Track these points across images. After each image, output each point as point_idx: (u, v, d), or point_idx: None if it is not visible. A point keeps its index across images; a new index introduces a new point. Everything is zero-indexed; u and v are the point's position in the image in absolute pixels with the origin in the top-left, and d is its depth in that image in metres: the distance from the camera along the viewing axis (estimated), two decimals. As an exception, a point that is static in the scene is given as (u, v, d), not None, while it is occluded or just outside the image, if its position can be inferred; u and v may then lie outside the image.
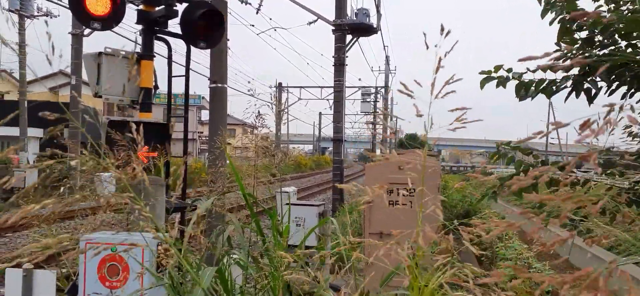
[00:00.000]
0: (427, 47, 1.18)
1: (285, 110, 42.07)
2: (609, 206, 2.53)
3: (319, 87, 42.88)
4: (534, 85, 3.11)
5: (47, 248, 1.25)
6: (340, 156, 16.32)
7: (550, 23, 3.15)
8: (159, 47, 4.98)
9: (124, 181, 1.66)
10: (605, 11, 2.89)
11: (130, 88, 4.69)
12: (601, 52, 2.87)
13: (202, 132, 49.85)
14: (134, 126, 1.81)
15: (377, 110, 41.00)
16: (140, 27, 4.81)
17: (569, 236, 0.90)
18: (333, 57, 16.04)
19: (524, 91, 3.14)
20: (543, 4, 3.21)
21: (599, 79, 2.94)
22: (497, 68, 3.15)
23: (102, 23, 4.40)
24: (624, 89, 3.02)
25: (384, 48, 48.12)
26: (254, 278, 2.99)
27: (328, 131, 54.58)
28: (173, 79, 5.10)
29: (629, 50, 2.86)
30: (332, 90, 19.71)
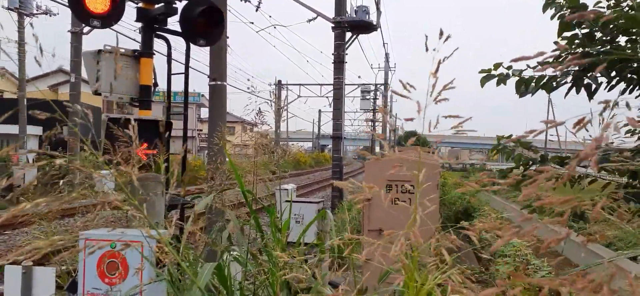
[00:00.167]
0: (427, 50, 1.18)
1: (285, 107, 42.05)
2: (607, 203, 2.54)
3: (319, 84, 42.86)
4: (534, 81, 3.11)
5: (39, 249, 1.25)
6: (339, 154, 16.32)
7: (552, 18, 3.15)
8: (158, 45, 4.98)
9: (118, 180, 1.66)
10: (604, 8, 2.89)
11: (129, 85, 4.69)
12: (601, 49, 2.87)
13: (201, 130, 49.83)
14: (131, 124, 1.81)
15: (377, 107, 41.00)
16: (139, 24, 4.81)
17: (565, 235, 0.90)
18: (333, 54, 16.03)
19: (524, 87, 3.15)
20: None
21: (599, 75, 2.95)
22: (497, 66, 3.16)
23: (102, 21, 4.40)
24: (624, 84, 3.02)
25: (384, 45, 48.14)
26: (252, 274, 3.00)
27: (327, 128, 54.61)
28: (173, 76, 5.10)
29: (629, 46, 2.86)
30: (331, 87, 19.71)
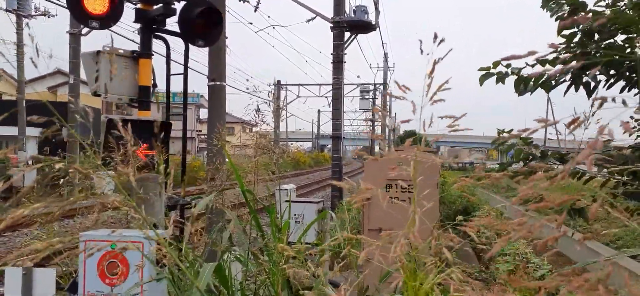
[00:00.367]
0: (422, 52, 1.19)
1: (284, 108, 42.04)
2: (606, 200, 2.55)
3: (318, 84, 42.87)
4: (532, 80, 3.12)
5: (38, 252, 1.25)
6: (339, 154, 16.32)
7: (551, 16, 3.16)
8: (157, 45, 4.98)
9: (117, 181, 1.66)
10: (603, 6, 2.90)
11: (129, 86, 4.69)
12: (601, 45, 2.88)
13: (200, 131, 49.81)
14: (128, 125, 1.81)
15: (376, 106, 40.99)
16: (138, 25, 4.81)
17: (562, 233, 0.91)
18: (331, 54, 16.03)
19: (523, 86, 3.15)
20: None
21: (598, 73, 2.95)
22: (496, 64, 3.16)
23: (101, 22, 4.40)
24: (623, 82, 3.03)
25: (383, 45, 48.12)
26: (253, 274, 3.00)
27: (327, 128, 54.63)
28: (171, 77, 5.10)
29: (627, 44, 2.87)
30: (330, 87, 19.70)
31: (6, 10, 21.32)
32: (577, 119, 0.84)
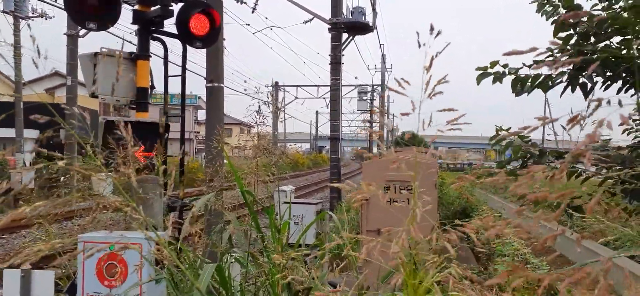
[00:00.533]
0: (419, 46, 1.19)
1: (282, 109, 42.03)
2: (603, 199, 2.56)
3: (316, 85, 42.88)
4: (529, 80, 3.13)
5: (39, 252, 1.25)
6: (337, 155, 16.33)
7: (547, 19, 3.18)
8: (155, 47, 4.98)
9: (116, 182, 1.66)
10: (598, 8, 2.91)
11: (127, 88, 4.69)
12: (596, 48, 2.89)
13: (198, 132, 49.76)
14: (127, 126, 1.81)
15: (374, 107, 41.03)
16: (136, 27, 4.80)
17: (560, 231, 0.91)
18: (329, 55, 16.04)
19: (520, 86, 3.17)
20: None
21: (595, 74, 2.97)
22: (493, 64, 3.17)
23: (98, 23, 4.40)
24: (619, 83, 3.04)
25: (380, 46, 48.12)
26: (253, 275, 3.00)
27: (325, 129, 54.65)
28: (169, 78, 5.10)
29: (623, 45, 2.88)
30: (328, 89, 19.71)
31: (3, 11, 21.29)
32: (576, 116, 0.84)
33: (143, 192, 1.76)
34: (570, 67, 2.97)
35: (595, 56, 2.72)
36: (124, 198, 1.56)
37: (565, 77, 3.04)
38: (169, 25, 4.91)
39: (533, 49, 0.92)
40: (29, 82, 28.16)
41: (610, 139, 3.15)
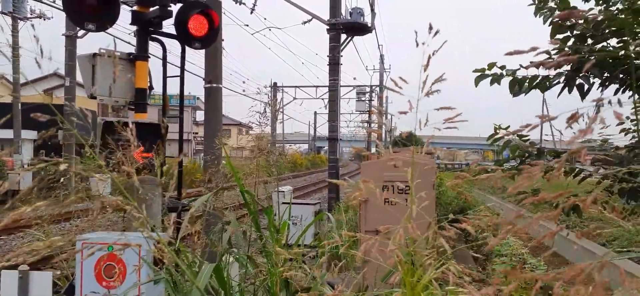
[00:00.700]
0: (417, 45, 1.20)
1: (281, 109, 42.02)
2: (601, 198, 2.57)
3: (314, 86, 42.88)
4: (527, 81, 3.14)
5: (38, 251, 1.25)
6: (335, 155, 16.34)
7: (544, 22, 3.19)
8: (153, 48, 4.98)
9: (117, 181, 1.66)
10: (595, 11, 2.93)
11: (125, 89, 4.69)
12: (593, 49, 2.91)
13: (197, 133, 49.72)
14: (128, 127, 1.82)
15: (373, 108, 41.04)
16: (134, 28, 4.80)
17: (558, 229, 0.92)
18: (328, 56, 16.05)
19: (518, 87, 3.18)
20: (536, 2, 3.25)
21: (592, 75, 2.98)
22: (491, 65, 3.18)
23: (97, 24, 4.39)
24: (616, 85, 3.06)
25: (379, 47, 48.18)
26: (252, 275, 3.00)
27: (323, 130, 54.63)
28: (168, 79, 5.10)
29: (621, 46, 2.89)
30: (327, 89, 19.73)
31: (1, 12, 21.25)
32: (575, 114, 0.85)
33: (142, 193, 1.76)
34: (568, 67, 2.99)
35: (592, 56, 2.73)
36: (126, 197, 1.57)
37: (563, 78, 3.05)
38: (168, 26, 4.91)
39: (533, 49, 0.93)
40: (28, 83, 28.10)
41: (608, 139, 3.17)
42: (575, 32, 3.01)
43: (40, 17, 22.76)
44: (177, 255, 2.24)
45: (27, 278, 3.39)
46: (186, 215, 3.47)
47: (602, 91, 3.08)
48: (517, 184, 0.97)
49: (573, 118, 0.85)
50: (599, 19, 2.76)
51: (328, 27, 15.79)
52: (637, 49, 2.69)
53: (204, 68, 8.27)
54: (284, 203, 5.05)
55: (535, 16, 3.25)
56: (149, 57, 4.84)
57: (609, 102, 0.89)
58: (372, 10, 18.86)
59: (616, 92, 3.07)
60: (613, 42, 2.96)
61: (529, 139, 3.04)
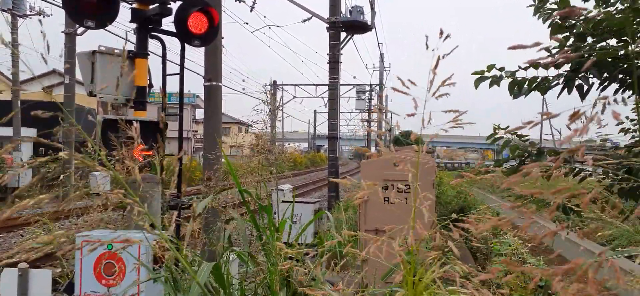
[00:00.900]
0: (427, 48, 1.19)
1: (280, 108, 42.02)
2: (601, 197, 2.57)
3: (314, 85, 42.87)
4: (526, 83, 3.14)
5: (46, 244, 1.25)
6: (335, 154, 16.34)
7: (544, 22, 3.19)
8: (153, 45, 4.97)
9: (119, 178, 1.66)
10: (594, 12, 2.93)
11: (125, 86, 4.69)
12: (593, 48, 2.90)
13: (196, 131, 49.72)
14: (130, 124, 1.81)
15: (373, 106, 41.09)
16: (134, 25, 4.80)
17: (559, 228, 0.92)
18: (327, 55, 16.05)
19: (518, 88, 3.17)
20: (536, 2, 3.24)
21: (591, 76, 2.98)
22: (490, 68, 3.18)
23: (96, 21, 4.39)
24: (616, 85, 3.05)
25: (379, 46, 48.14)
26: (252, 273, 3.01)
27: (323, 128, 54.65)
28: (167, 77, 5.09)
29: (621, 45, 2.89)
30: (326, 88, 19.72)
31: (1, 9, 21.22)
32: (577, 112, 0.85)
33: (142, 190, 1.76)
34: (568, 67, 2.98)
35: (591, 56, 2.73)
36: (127, 192, 1.57)
37: (562, 79, 3.05)
38: (167, 23, 4.91)
39: (537, 44, 0.93)
40: (27, 80, 28.10)
41: (607, 139, 3.17)
42: (574, 31, 3.01)
43: (39, 15, 22.74)
44: (178, 252, 2.23)
45: (27, 276, 3.39)
46: (186, 214, 3.47)
47: (601, 91, 3.08)
48: (511, 180, 0.97)
49: (574, 116, 0.85)
50: (599, 18, 2.76)
51: (328, 26, 15.79)
52: (637, 49, 2.69)
53: (204, 66, 8.27)
54: (284, 201, 5.05)
55: (535, 16, 3.25)
56: (149, 54, 4.84)
57: (608, 102, 0.89)
58: (372, 8, 18.86)
59: (616, 92, 3.07)
60: (613, 42, 2.96)
61: (528, 139, 3.04)
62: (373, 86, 43.57)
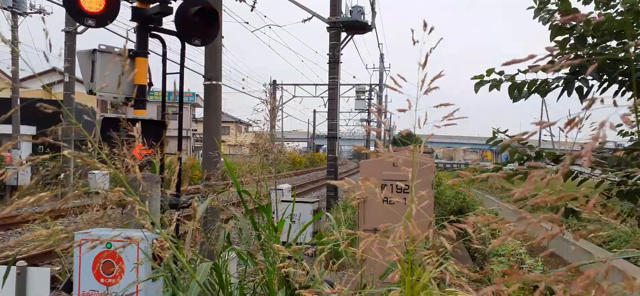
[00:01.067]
0: (414, 43, 1.20)
1: (280, 107, 42.01)
2: (601, 200, 2.57)
3: (314, 84, 42.85)
4: (526, 86, 3.14)
5: (47, 239, 1.25)
6: (334, 154, 16.34)
7: (544, 24, 3.19)
8: (153, 44, 4.97)
9: (120, 177, 1.67)
10: (595, 14, 2.93)
11: (124, 85, 4.68)
12: (591, 51, 2.91)
13: (196, 130, 49.71)
14: (131, 123, 1.82)
15: (372, 107, 41.05)
16: (134, 24, 4.80)
17: (558, 231, 0.92)
18: (327, 54, 16.05)
19: (517, 92, 3.18)
20: (537, 4, 3.25)
21: (591, 78, 2.98)
22: (490, 71, 3.18)
23: (96, 20, 4.39)
24: (615, 87, 3.06)
25: (379, 46, 48.14)
26: (251, 272, 3.01)
27: (322, 128, 54.65)
28: (167, 76, 5.09)
29: (620, 48, 2.89)
30: (326, 87, 19.73)
31: (1, 7, 21.20)
32: (573, 119, 0.85)
33: (142, 189, 1.76)
34: (568, 70, 2.99)
35: (591, 59, 2.73)
36: (128, 191, 1.57)
37: (562, 82, 3.05)
38: (167, 22, 4.91)
39: (531, 57, 0.93)
40: (27, 78, 28.08)
41: (606, 141, 3.17)
42: (575, 34, 3.01)
43: (40, 13, 22.72)
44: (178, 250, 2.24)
45: (25, 274, 3.39)
46: (187, 213, 3.47)
47: (601, 93, 3.08)
48: (524, 189, 0.96)
49: (571, 124, 0.85)
50: (599, 20, 2.76)
51: (328, 26, 15.79)
52: (637, 51, 2.69)
53: (204, 65, 8.26)
54: (283, 201, 5.06)
55: (535, 19, 3.25)
56: (149, 53, 4.84)
57: (604, 101, 0.89)
58: (373, 9, 18.86)
59: (615, 95, 3.08)
60: (613, 44, 2.97)
61: (527, 143, 3.04)
62: (373, 86, 43.58)
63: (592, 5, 3.09)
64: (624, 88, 3.03)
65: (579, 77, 2.97)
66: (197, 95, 44.93)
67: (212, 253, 3.13)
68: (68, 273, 4.10)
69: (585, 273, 0.87)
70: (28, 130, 24.64)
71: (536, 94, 3.14)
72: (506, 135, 3.04)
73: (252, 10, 16.80)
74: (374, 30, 18.37)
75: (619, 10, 2.91)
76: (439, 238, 1.43)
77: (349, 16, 17.15)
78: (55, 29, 18.48)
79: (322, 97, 41.22)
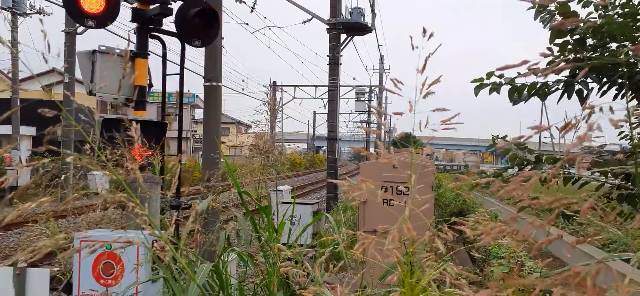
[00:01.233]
0: (413, 48, 1.20)
1: (280, 108, 42.01)
2: (600, 203, 2.57)
3: (314, 86, 42.85)
4: (526, 89, 3.14)
5: (46, 247, 1.25)
6: (334, 155, 16.34)
7: (544, 26, 3.19)
8: (153, 45, 4.98)
9: (119, 179, 1.67)
10: (595, 17, 2.93)
11: (124, 86, 4.69)
12: (592, 54, 2.91)
13: (196, 131, 49.72)
14: (132, 124, 1.82)
15: (372, 108, 41.06)
16: (134, 25, 4.80)
17: (557, 235, 0.92)
18: (327, 56, 16.06)
19: (517, 95, 3.18)
20: (536, 5, 3.25)
21: (590, 80, 2.98)
22: (489, 75, 3.18)
23: (97, 21, 4.39)
24: (615, 90, 3.06)
25: (379, 47, 48.17)
26: (252, 273, 3.01)
27: (322, 130, 54.63)
28: (167, 77, 5.10)
29: (620, 50, 2.90)
30: (326, 89, 19.74)
31: (1, 8, 21.22)
32: (569, 123, 0.86)
33: (141, 191, 1.76)
34: (568, 73, 2.99)
35: (590, 61, 2.73)
36: (128, 194, 1.57)
37: (562, 84, 3.05)
38: (168, 23, 4.92)
39: (525, 62, 0.94)
40: (26, 79, 28.08)
41: (605, 144, 3.18)
42: (574, 36, 3.02)
43: (39, 13, 22.73)
44: (177, 251, 2.24)
45: (24, 275, 3.38)
46: (187, 214, 3.46)
47: (601, 96, 3.08)
48: (509, 188, 0.97)
49: (567, 127, 0.85)
50: (599, 22, 2.76)
51: (328, 27, 15.80)
52: (631, 59, 2.70)
53: (204, 66, 8.26)
54: (283, 202, 5.06)
55: (535, 20, 3.25)
56: (149, 54, 4.84)
57: (603, 108, 0.90)
58: (373, 10, 18.88)
59: (615, 97, 3.08)
60: (612, 46, 2.97)
61: (526, 147, 3.04)
62: (372, 87, 43.59)
63: (591, 6, 3.09)
64: (623, 91, 3.03)
65: (579, 80, 2.97)
66: (197, 96, 44.92)
67: (212, 254, 3.13)
68: (68, 274, 4.09)
69: (573, 270, 0.88)
70: (28, 131, 24.64)
71: (536, 96, 3.14)
72: (505, 141, 3.04)
73: (252, 11, 16.82)
74: (373, 31, 18.40)
75: (618, 12, 2.91)
76: (437, 241, 1.44)
77: (349, 18, 17.16)
78: (55, 30, 18.50)
79: (322, 99, 41.24)
